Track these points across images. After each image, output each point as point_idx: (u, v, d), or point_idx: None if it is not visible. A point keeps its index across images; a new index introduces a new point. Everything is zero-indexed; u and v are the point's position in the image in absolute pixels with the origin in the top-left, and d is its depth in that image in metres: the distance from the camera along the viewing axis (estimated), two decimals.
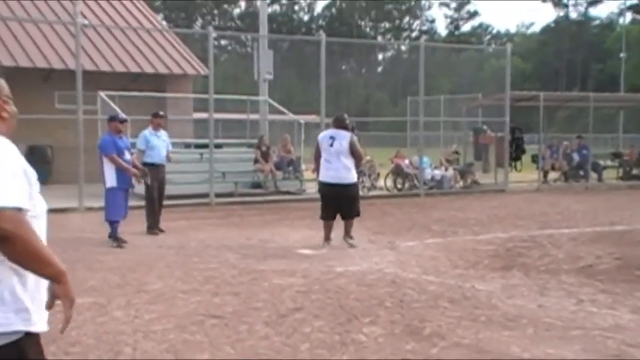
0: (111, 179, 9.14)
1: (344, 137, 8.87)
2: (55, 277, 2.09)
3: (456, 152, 19.20)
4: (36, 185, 2.19)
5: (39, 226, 2.17)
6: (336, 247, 8.95)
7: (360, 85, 68.95)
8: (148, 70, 18.73)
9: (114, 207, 9.17)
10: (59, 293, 2.12)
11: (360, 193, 16.33)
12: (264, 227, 10.96)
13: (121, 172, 9.13)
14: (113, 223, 9.20)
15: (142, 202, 10.55)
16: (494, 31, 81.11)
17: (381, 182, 17.68)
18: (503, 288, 6.61)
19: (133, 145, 10.25)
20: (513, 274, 7.26)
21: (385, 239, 9.68)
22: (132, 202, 11.18)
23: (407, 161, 17.61)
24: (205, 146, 15.36)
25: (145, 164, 10.12)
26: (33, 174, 2.18)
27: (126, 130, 9.83)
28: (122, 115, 10.23)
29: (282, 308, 5.78)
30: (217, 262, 7.91)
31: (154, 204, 10.23)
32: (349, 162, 8.86)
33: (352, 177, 8.94)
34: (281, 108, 18.22)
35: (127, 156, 9.26)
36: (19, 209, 2.01)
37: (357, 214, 9.15)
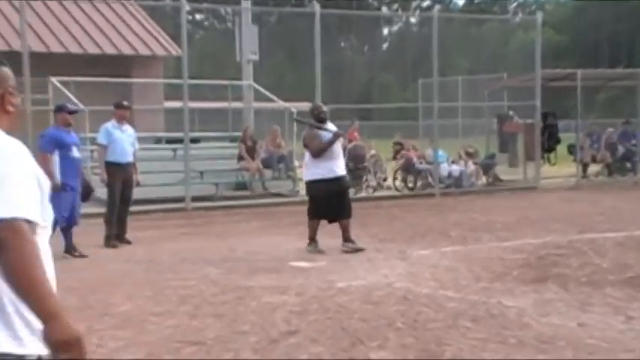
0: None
1: None
2: (47, 318, 2.05)
3: (468, 151, 19.08)
4: (47, 193, 2.26)
5: (44, 237, 2.22)
6: (336, 259, 8.96)
7: (362, 66, 69.05)
8: (110, 51, 18.71)
9: (57, 210, 9.13)
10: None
11: (364, 193, 16.78)
12: (251, 236, 10.96)
13: (67, 167, 9.05)
14: (65, 233, 9.18)
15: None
16: None
17: (389, 181, 17.71)
18: (535, 304, 6.62)
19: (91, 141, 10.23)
20: (548, 288, 7.27)
21: (394, 248, 9.69)
22: (93, 209, 11.17)
23: (414, 155, 17.64)
24: (180, 141, 15.37)
25: (107, 164, 10.13)
26: (46, 181, 2.26)
27: (72, 125, 9.67)
28: (72, 106, 10.22)
29: (273, 332, 5.78)
30: (195, 278, 7.90)
31: (115, 210, 10.24)
32: (308, 158, 9.66)
33: (307, 174, 9.76)
34: (269, 94, 18.22)
35: (76, 153, 9.22)
36: (28, 221, 2.07)
37: (309, 216, 9.62)
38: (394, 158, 18.26)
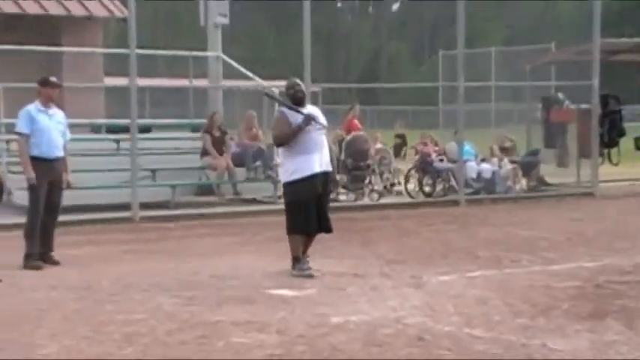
0: None
1: None
2: None
3: (504, 146, 19.12)
4: None
5: None
6: (329, 285, 8.95)
7: (365, 34, 69.06)
8: (32, 10, 18.66)
9: None
10: None
11: (367, 200, 16.77)
12: (219, 255, 10.93)
13: None
14: None
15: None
16: None
17: (400, 184, 17.72)
18: (592, 346, 6.62)
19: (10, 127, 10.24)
20: (608, 326, 7.26)
21: (406, 272, 9.68)
22: (9, 218, 11.13)
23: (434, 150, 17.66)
24: (125, 130, 15.34)
25: (31, 158, 10.09)
26: None
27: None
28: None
29: None
30: (144, 310, 7.88)
31: (38, 220, 10.20)
32: (281, 152, 9.90)
33: (282, 174, 10.01)
34: (243, 70, 18.20)
35: None
36: None
37: (288, 230, 9.71)
38: (396, 155, 18.29)
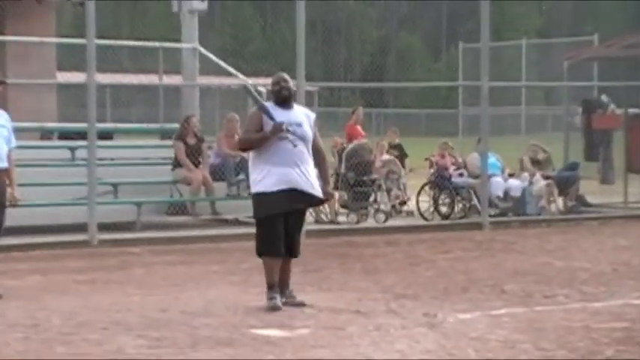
0: None
1: None
2: None
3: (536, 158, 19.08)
4: None
5: None
6: (325, 324, 8.95)
7: (370, 22, 69.17)
8: None
9: None
10: None
11: (372, 222, 16.75)
12: (193, 287, 10.93)
13: None
14: None
15: None
16: None
17: (411, 203, 17.73)
18: None
19: None
20: None
21: (418, 309, 9.68)
22: None
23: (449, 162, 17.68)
24: (81, 136, 15.33)
25: None
26: None
27: None
28: None
29: None
30: (103, 353, 7.86)
31: None
32: (250, 158, 10.06)
33: (251, 184, 10.07)
34: (223, 64, 18.22)
35: None
36: None
37: (256, 251, 9.79)
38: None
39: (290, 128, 9.57)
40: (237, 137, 16.75)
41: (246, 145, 9.84)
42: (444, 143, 18.72)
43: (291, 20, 15.68)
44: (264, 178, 9.59)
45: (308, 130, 9.77)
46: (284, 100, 9.82)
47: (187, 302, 10.02)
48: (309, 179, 9.70)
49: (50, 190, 14.91)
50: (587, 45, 20.93)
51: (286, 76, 10.05)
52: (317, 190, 9.74)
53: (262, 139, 9.56)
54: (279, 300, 9.56)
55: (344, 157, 17.12)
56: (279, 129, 9.54)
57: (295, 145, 9.62)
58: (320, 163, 10.04)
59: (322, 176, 10.04)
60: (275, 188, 9.52)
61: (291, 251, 9.72)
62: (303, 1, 15.38)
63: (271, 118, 9.59)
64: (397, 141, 19.14)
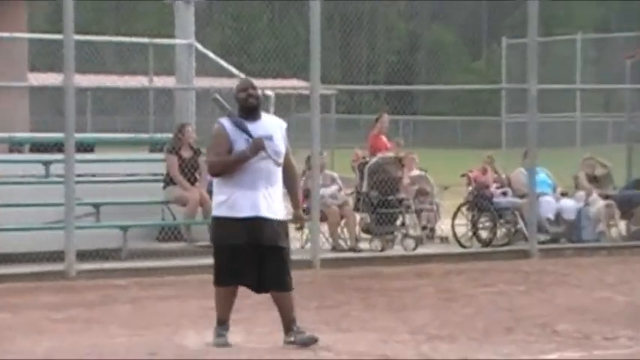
0: None
1: None
2: None
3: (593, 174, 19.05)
4: None
5: None
6: None
7: (398, 14, 69.33)
8: None
9: None
10: None
11: (400, 249, 16.70)
12: (187, 326, 10.95)
13: None
14: None
15: None
16: None
17: (446, 225, 17.75)
18: None
19: None
20: None
21: (454, 352, 9.67)
22: None
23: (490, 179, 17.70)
24: (57, 148, 15.41)
25: None
26: None
27: None
28: None
29: None
30: None
31: None
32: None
33: (213, 205, 10.05)
34: (224, 64, 18.28)
35: None
36: None
37: (214, 282, 9.85)
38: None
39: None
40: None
41: (221, 170, 9.65)
42: (488, 157, 18.69)
43: (305, 12, 15.73)
44: (229, 200, 9.59)
45: (280, 144, 9.74)
46: (251, 109, 9.76)
47: (180, 344, 10.04)
48: (274, 204, 9.68)
49: (21, 212, 14.95)
50: None
51: (255, 82, 10.01)
52: (280, 216, 9.72)
53: (239, 161, 9.52)
54: (227, 338, 9.63)
55: (366, 172, 17.09)
56: (260, 146, 9.50)
57: (275, 163, 9.64)
58: (291, 182, 10.02)
59: (292, 199, 10.08)
60: (240, 215, 9.54)
61: (278, 283, 9.58)
62: None
63: (247, 132, 9.57)
64: (402, 154, 18.71)
